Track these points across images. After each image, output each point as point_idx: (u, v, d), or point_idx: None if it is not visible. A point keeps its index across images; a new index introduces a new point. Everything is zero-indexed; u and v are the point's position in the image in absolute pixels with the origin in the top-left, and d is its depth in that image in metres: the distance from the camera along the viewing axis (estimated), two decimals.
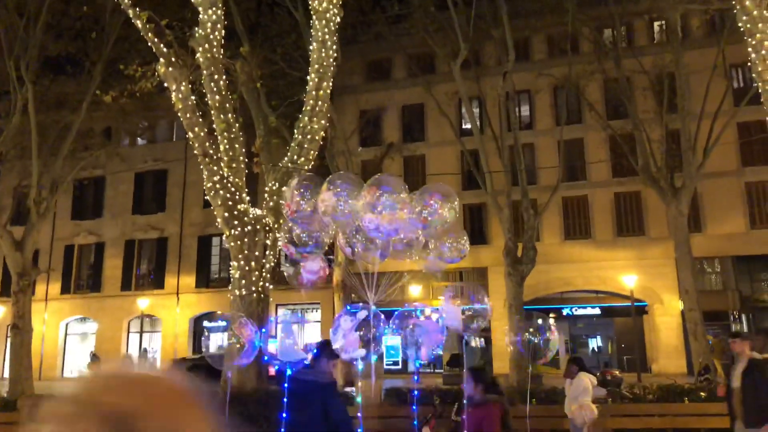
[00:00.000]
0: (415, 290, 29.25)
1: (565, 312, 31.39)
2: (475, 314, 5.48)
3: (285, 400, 4.96)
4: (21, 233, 21.85)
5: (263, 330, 5.41)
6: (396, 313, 5.23)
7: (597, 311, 30.95)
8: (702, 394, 9.56)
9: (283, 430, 4.95)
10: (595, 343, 33.51)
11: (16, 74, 20.98)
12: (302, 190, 5.63)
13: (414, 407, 5.36)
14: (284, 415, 4.86)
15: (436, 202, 5.37)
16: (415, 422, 5.34)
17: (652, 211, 29.22)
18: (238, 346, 4.81)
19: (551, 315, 31.64)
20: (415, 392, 5.62)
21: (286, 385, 4.88)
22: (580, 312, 31.25)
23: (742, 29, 10.19)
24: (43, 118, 22.43)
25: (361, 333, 4.73)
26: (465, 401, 5.33)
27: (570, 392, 8.31)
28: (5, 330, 26.25)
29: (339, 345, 4.71)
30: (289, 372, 4.87)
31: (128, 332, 35.40)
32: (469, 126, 28.10)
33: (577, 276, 30.29)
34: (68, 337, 36.89)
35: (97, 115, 26.83)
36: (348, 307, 5.05)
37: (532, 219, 21.13)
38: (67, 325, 36.84)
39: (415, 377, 5.25)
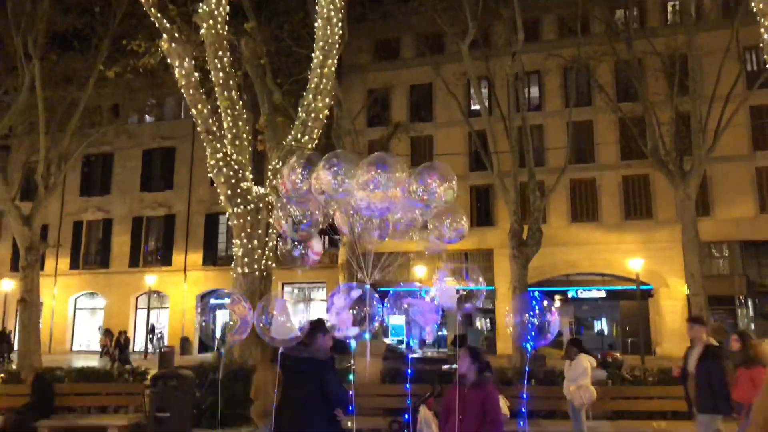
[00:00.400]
0: (420, 271, 29.31)
1: (570, 294, 31.38)
2: (470, 294, 5.46)
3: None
4: (30, 208, 22.02)
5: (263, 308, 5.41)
6: (391, 292, 5.23)
7: (602, 294, 30.92)
8: None
9: (274, 405, 4.99)
10: (599, 325, 33.53)
11: (24, 50, 20.97)
12: (299, 168, 5.61)
13: (407, 386, 5.37)
14: (275, 391, 4.93)
15: (434, 182, 5.33)
16: (409, 401, 5.36)
17: (660, 194, 29.02)
18: (232, 323, 4.84)
19: (557, 297, 31.75)
20: (409, 371, 5.62)
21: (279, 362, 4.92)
22: (586, 294, 31.23)
23: (755, 10, 10.00)
24: (51, 94, 22.45)
25: (355, 312, 4.74)
26: (457, 380, 5.33)
27: (569, 374, 8.31)
28: (16, 304, 26.52)
29: (332, 323, 4.74)
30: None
31: (136, 308, 35.73)
32: (477, 107, 27.88)
33: (583, 259, 30.22)
34: (77, 312, 37.29)
35: (105, 92, 26.86)
36: (343, 286, 5.05)
37: (539, 201, 21.02)
38: (76, 300, 37.22)
39: (408, 356, 5.25)
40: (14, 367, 19.78)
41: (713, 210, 28.94)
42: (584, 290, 31.05)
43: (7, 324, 32.58)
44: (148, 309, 33.32)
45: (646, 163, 24.26)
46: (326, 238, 6.47)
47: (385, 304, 5.07)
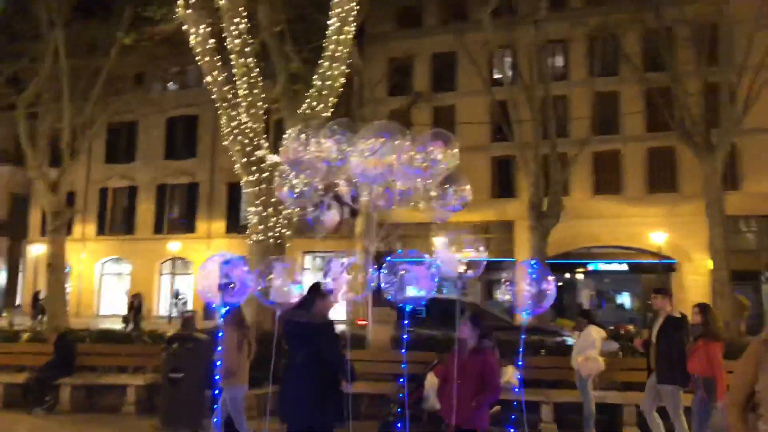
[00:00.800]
0: (440, 242, 29.28)
1: (591, 267, 31.16)
2: (472, 264, 5.47)
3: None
4: (56, 175, 22.49)
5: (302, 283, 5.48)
6: (387, 259, 5.26)
7: (624, 267, 30.64)
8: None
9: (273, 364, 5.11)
10: (620, 299, 33.33)
11: (48, 18, 21.14)
12: (303, 137, 5.63)
13: (404, 350, 5.45)
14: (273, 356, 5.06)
15: (436, 149, 5.31)
16: (404, 364, 5.44)
17: (686, 167, 28.45)
18: (231, 285, 4.93)
19: (578, 270, 31.58)
20: (405, 336, 5.69)
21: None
22: (607, 268, 30.98)
23: None
24: (74, 62, 22.64)
25: (351, 277, 4.80)
26: (456, 347, 5.38)
27: (577, 345, 8.32)
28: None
29: (329, 288, 4.80)
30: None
31: (161, 274, 36.42)
32: (500, 76, 27.47)
33: (605, 232, 29.91)
34: (104, 277, 38.17)
35: (128, 60, 26.93)
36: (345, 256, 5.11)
37: (559, 173, 20.79)
38: (103, 265, 38.07)
39: (406, 322, 5.31)
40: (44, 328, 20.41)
41: (742, 183, 28.33)
42: (605, 263, 30.79)
43: (39, 287, 33.51)
44: (173, 275, 33.96)
45: (672, 136, 23.72)
46: (347, 207, 6.47)
47: (382, 270, 5.11)
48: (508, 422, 8.60)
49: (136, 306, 26.61)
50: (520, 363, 5.71)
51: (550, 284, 5.07)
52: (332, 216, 6.05)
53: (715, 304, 19.66)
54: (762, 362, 2.88)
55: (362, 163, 4.95)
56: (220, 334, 5.43)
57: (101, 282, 37.99)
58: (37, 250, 33.52)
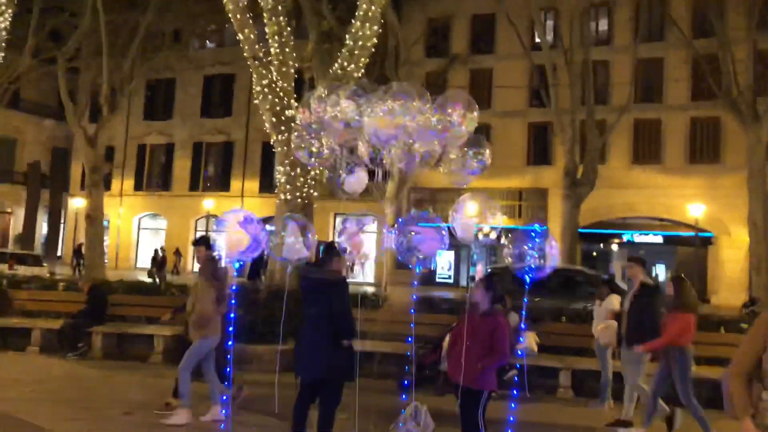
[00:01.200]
0: (472, 208, 29.12)
1: (625, 238, 30.67)
2: (489, 230, 5.44)
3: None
4: (95, 130, 22.98)
5: (315, 238, 5.55)
6: (399, 220, 5.27)
7: (659, 239, 30.07)
8: (743, 325, 9.30)
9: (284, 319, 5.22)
10: (654, 271, 32.80)
11: None
12: (322, 97, 5.61)
13: (412, 310, 5.48)
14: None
15: (455, 112, 5.23)
16: (412, 324, 5.48)
17: (730, 138, 27.54)
18: (245, 241, 5.02)
19: (612, 240, 31.09)
20: (414, 296, 5.72)
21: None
22: (642, 239, 30.45)
23: None
24: (113, 17, 22.84)
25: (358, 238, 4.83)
26: (469, 309, 5.39)
27: (598, 313, 8.26)
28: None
29: (347, 247, 4.84)
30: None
31: (195, 230, 37.15)
32: (540, 40, 26.78)
33: (642, 202, 29.32)
34: (141, 232, 39.16)
35: (166, 17, 27.09)
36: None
37: (596, 140, 20.36)
38: (140, 220, 39.02)
39: (414, 282, 5.33)
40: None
41: None
42: (640, 234, 30.25)
43: (80, 240, 34.59)
44: (207, 232, 34.60)
45: (717, 105, 22.95)
46: (380, 171, 6.45)
47: (392, 232, 5.12)
48: (523, 386, 8.66)
49: (160, 260, 27.41)
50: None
51: (554, 248, 5.02)
52: (357, 179, 6.04)
53: (751, 280, 19.27)
54: None
55: (374, 123, 4.92)
56: (235, 288, 5.55)
57: (138, 236, 38.99)
58: (77, 203, 34.51)
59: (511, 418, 5.28)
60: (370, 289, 12.42)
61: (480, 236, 5.36)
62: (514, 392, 5.29)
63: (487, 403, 5.29)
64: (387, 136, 4.97)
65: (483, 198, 5.56)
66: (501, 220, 5.47)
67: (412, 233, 4.92)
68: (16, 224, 37.27)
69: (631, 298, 7.07)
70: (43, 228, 37.04)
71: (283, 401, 5.50)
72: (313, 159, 5.77)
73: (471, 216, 5.48)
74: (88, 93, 27.55)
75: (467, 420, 5.25)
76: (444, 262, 32.94)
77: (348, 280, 5.31)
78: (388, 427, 5.62)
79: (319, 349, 5.11)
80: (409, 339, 5.79)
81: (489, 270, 6.09)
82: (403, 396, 5.42)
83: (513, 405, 5.41)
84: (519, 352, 8.87)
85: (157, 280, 23.94)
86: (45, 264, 24.70)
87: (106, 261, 26.40)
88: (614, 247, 32.19)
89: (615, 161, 29.82)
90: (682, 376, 6.59)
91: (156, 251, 28.82)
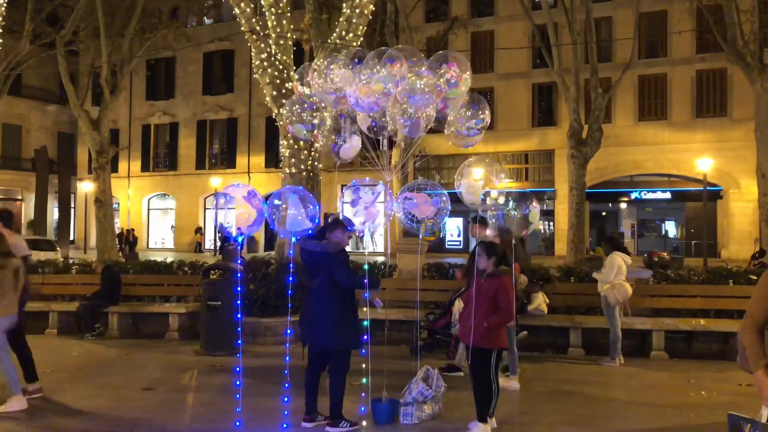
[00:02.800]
0: (477, 173, 29.07)
1: (633, 196, 30.61)
2: (495, 194, 5.46)
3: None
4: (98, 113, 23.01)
5: (315, 208, 5.59)
6: (403, 187, 5.30)
7: (668, 196, 29.96)
8: (752, 277, 9.33)
9: (289, 293, 5.32)
10: (664, 227, 32.76)
11: None
12: (315, 67, 5.60)
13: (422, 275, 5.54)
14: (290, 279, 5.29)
15: (448, 72, 5.20)
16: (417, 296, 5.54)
17: (736, 90, 27.19)
18: (247, 216, 5.07)
19: (620, 199, 31.01)
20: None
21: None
22: (650, 196, 30.36)
23: None
24: None
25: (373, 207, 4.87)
26: (476, 273, 5.45)
27: (603, 271, 8.29)
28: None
29: (361, 216, 4.89)
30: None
31: (204, 208, 37.35)
32: None
33: (649, 159, 29.14)
34: (151, 212, 39.40)
35: None
36: (354, 183, 5.16)
37: (600, 98, 20.13)
38: (149, 200, 39.22)
39: (419, 248, 5.38)
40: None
41: None
42: (649, 192, 30.15)
43: (91, 223, 34.89)
44: (216, 209, 34.76)
45: (723, 57, 22.59)
46: (384, 139, 6.43)
47: (393, 198, 5.17)
48: (533, 346, 8.77)
49: (132, 240, 28.11)
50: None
51: (536, 207, 5.05)
52: (351, 146, 6.04)
53: (761, 232, 19.17)
54: None
55: (355, 92, 4.91)
56: (240, 261, 5.62)
57: (148, 217, 39.26)
58: (86, 187, 34.70)
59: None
60: (380, 259, 12.52)
61: (488, 200, 5.39)
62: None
63: (498, 362, 5.39)
64: (369, 104, 4.97)
65: (487, 161, 5.56)
66: (507, 183, 5.49)
67: (405, 198, 4.96)
68: (27, 210, 37.58)
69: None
70: (54, 213, 37.34)
71: (294, 371, 5.61)
72: (307, 133, 5.77)
73: (476, 179, 5.50)
74: (89, 76, 27.47)
75: (478, 379, 5.36)
76: (453, 229, 33.02)
77: (357, 250, 5.39)
78: (400, 390, 5.73)
79: (324, 319, 5.21)
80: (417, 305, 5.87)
81: (480, 215, 6.03)
82: (415, 360, 5.51)
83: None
84: (528, 312, 8.99)
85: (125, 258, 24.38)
86: (58, 249, 24.96)
87: (117, 243, 26.74)
88: (623, 205, 32.11)
89: (621, 119, 29.57)
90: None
91: (122, 230, 29.50)
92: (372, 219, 5.38)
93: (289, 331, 5.28)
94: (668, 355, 8.68)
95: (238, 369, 5.32)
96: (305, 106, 5.70)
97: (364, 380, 5.33)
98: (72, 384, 7.13)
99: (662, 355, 8.66)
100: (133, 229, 31.75)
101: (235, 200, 5.21)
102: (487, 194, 5.81)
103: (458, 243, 32.42)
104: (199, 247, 34.31)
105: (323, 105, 5.69)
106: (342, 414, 5.39)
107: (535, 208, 5.22)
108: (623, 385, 7.28)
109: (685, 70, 28.80)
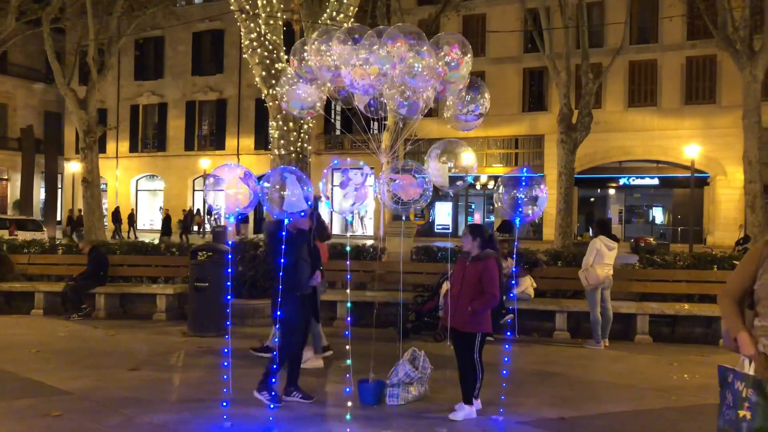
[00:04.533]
0: (468, 157, 29.07)
1: (622, 182, 30.79)
2: (459, 176, 5.44)
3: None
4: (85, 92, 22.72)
5: (309, 189, 5.57)
6: (384, 169, 5.29)
7: (656, 182, 30.18)
8: (736, 262, 9.42)
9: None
10: (651, 213, 32.99)
11: None
12: (311, 45, 5.53)
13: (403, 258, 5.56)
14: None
15: (448, 54, 5.14)
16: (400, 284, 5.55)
17: (726, 77, 27.29)
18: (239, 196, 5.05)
19: (609, 184, 31.17)
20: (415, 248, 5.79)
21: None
22: (638, 182, 30.55)
23: None
24: None
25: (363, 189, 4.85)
26: (462, 257, 5.48)
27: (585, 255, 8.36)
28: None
29: (351, 198, 4.86)
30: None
31: (193, 190, 37.16)
32: None
33: (637, 145, 29.27)
34: (139, 193, 39.14)
35: None
36: (335, 162, 5.13)
37: (591, 83, 20.13)
38: (137, 181, 38.95)
39: (402, 232, 5.39)
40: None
41: None
42: (637, 178, 30.34)
43: (77, 204, 34.64)
44: (208, 191, 34.56)
45: (712, 44, 22.62)
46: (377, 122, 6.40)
47: (378, 180, 5.16)
48: (515, 329, 8.84)
49: (76, 220, 28.28)
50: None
51: (543, 191, 5.04)
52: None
53: (746, 218, 19.35)
54: (763, 263, 2.95)
55: (350, 73, 4.87)
56: (230, 243, 5.62)
57: (137, 198, 39.00)
58: (74, 167, 34.38)
59: (506, 359, 5.41)
60: (369, 242, 12.54)
61: (458, 182, 5.37)
62: (508, 334, 5.41)
63: (483, 345, 5.43)
64: (364, 86, 4.93)
65: (454, 143, 5.51)
66: (475, 165, 5.48)
67: (390, 180, 4.95)
68: (13, 190, 37.24)
69: None
70: (40, 193, 37.01)
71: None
72: (301, 111, 5.73)
73: (443, 162, 5.46)
74: (76, 54, 27.10)
75: (463, 363, 5.41)
76: (443, 213, 33.09)
77: (349, 234, 5.41)
78: (387, 372, 5.77)
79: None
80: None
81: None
82: (401, 342, 5.54)
83: (507, 346, 5.55)
84: (514, 296, 9.04)
85: (75, 239, 24.41)
86: (45, 229, 24.79)
87: (105, 223, 26.64)
88: (611, 191, 32.29)
89: (611, 105, 29.63)
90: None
91: (71, 211, 29.52)
92: (361, 200, 5.36)
93: (279, 314, 5.24)
94: (652, 338, 8.80)
95: (225, 350, 5.34)
96: (300, 82, 5.64)
97: (348, 361, 5.36)
98: (58, 364, 7.12)
99: (646, 338, 8.77)
100: (80, 210, 31.80)
101: (228, 181, 5.17)
102: (459, 178, 5.74)
103: (447, 227, 32.49)
104: (200, 228, 33.97)
105: (319, 82, 5.63)
106: (295, 385, 5.66)
107: (542, 192, 5.17)
108: (607, 367, 7.37)
109: (675, 56, 28.86)
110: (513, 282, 8.21)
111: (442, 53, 5.25)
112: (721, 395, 2.93)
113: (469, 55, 5.38)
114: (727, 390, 2.88)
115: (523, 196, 4.90)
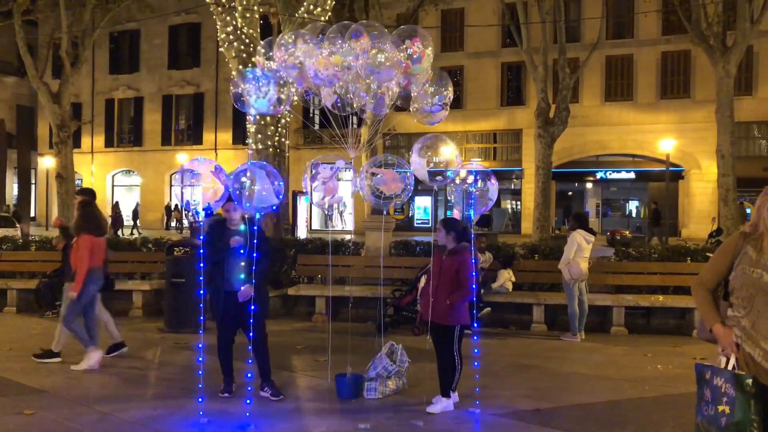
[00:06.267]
0: (447, 151, 29.12)
1: (599, 176, 31.12)
2: (440, 170, 5.45)
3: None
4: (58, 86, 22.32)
5: (279, 184, 5.51)
6: (366, 163, 5.29)
7: (632, 175, 30.55)
8: (708, 255, 9.58)
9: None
10: (628, 207, 33.39)
11: None
12: (277, 42, 5.51)
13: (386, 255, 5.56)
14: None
15: (411, 47, 5.15)
16: (381, 267, 5.56)
17: (700, 72, 27.68)
18: (211, 191, 5.02)
19: (586, 178, 31.47)
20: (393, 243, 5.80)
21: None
22: (615, 176, 30.91)
23: None
24: None
25: (331, 183, 4.84)
26: (436, 250, 5.50)
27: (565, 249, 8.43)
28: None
29: (319, 192, 4.85)
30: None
31: (171, 185, 36.76)
32: None
33: (614, 139, 29.60)
34: (115, 189, 38.63)
35: None
36: (315, 161, 5.12)
37: (568, 78, 20.29)
38: (113, 177, 38.43)
39: (386, 223, 5.39)
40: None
41: (757, 88, 27.62)
42: (613, 172, 30.69)
43: (53, 199, 34.09)
44: (182, 186, 34.20)
45: (687, 39, 22.93)
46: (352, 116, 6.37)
47: (358, 174, 5.16)
48: (492, 321, 8.90)
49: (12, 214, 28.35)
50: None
51: (493, 184, 5.09)
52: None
53: (719, 211, 19.69)
54: (739, 253, 2.99)
55: (313, 65, 4.86)
56: (201, 237, 5.58)
57: (113, 193, 38.47)
58: (47, 163, 33.79)
59: (476, 351, 5.46)
60: (348, 237, 12.52)
61: (438, 177, 5.39)
62: (475, 325, 5.42)
63: (461, 338, 5.46)
64: (327, 77, 4.92)
65: (436, 138, 5.52)
66: (459, 160, 5.49)
67: (373, 174, 4.94)
68: None
69: None
70: (13, 189, 36.35)
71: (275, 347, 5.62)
72: (270, 108, 5.69)
73: (425, 157, 5.46)
74: (49, 47, 26.59)
75: (442, 356, 5.44)
76: (422, 207, 33.15)
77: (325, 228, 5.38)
78: (364, 366, 5.77)
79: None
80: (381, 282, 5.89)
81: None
82: (379, 336, 5.54)
83: (475, 338, 5.59)
84: (493, 290, 9.10)
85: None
86: (18, 225, 24.36)
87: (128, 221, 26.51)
88: (588, 185, 32.61)
89: (587, 99, 29.89)
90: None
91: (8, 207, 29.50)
92: (331, 194, 5.35)
93: (252, 308, 5.21)
94: (628, 330, 8.91)
95: (200, 346, 5.30)
96: (269, 80, 5.61)
97: (327, 358, 5.35)
98: (30, 362, 7.01)
99: (622, 330, 8.89)
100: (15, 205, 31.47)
101: (203, 175, 5.13)
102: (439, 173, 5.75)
103: (426, 222, 32.57)
104: (179, 223, 33.65)
105: (288, 80, 5.61)
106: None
107: (493, 185, 5.22)
108: (583, 359, 7.45)
109: (650, 51, 29.19)
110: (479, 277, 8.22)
111: (404, 46, 5.27)
112: (699, 392, 2.96)
113: (430, 48, 5.41)
114: (705, 386, 2.92)
115: (474, 191, 4.94)
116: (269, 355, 5.69)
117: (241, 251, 5.34)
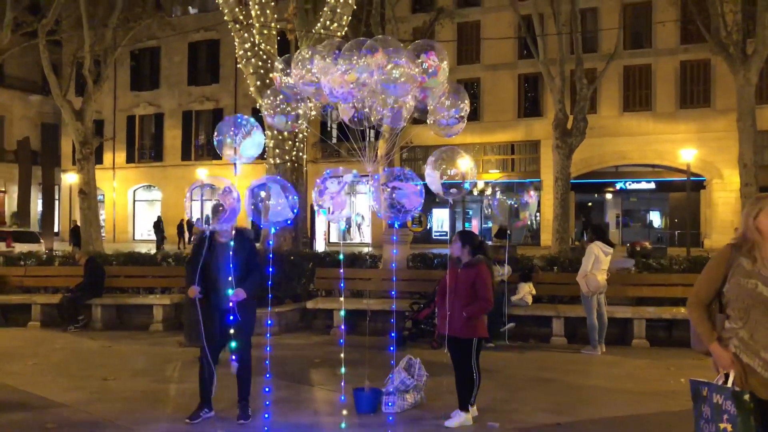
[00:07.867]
0: (464, 164, 29.10)
1: (618, 186, 30.85)
2: (456, 183, 5.45)
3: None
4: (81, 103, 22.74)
5: (294, 198, 5.55)
6: (375, 176, 5.31)
7: (652, 186, 30.24)
8: None
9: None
10: (648, 217, 33.05)
11: None
12: (294, 60, 5.57)
13: (393, 264, 5.57)
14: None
15: (426, 61, 5.18)
16: (393, 278, 5.56)
17: (720, 80, 27.42)
18: (221, 209, 5.09)
19: (605, 189, 31.23)
20: (395, 251, 5.80)
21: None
22: (635, 186, 30.63)
23: None
24: None
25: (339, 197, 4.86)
26: (452, 263, 5.49)
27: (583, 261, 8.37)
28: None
29: (327, 206, 4.88)
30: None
31: (191, 200, 37.08)
32: None
33: (633, 149, 29.36)
34: (136, 204, 39.13)
35: None
36: (328, 172, 5.15)
37: (585, 89, 20.20)
38: (134, 192, 38.94)
39: (394, 237, 5.40)
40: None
41: None
42: (633, 182, 30.42)
43: (75, 215, 34.60)
44: (202, 201, 34.56)
45: (706, 48, 22.75)
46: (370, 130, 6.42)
47: (372, 187, 5.18)
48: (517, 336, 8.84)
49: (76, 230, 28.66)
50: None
51: (532, 197, 5.08)
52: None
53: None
54: (731, 265, 2.96)
55: (329, 82, 4.90)
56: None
57: (134, 209, 38.98)
58: (71, 179, 34.36)
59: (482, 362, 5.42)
60: (366, 249, 12.55)
61: (452, 190, 5.39)
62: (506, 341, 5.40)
63: (479, 351, 5.44)
64: (343, 94, 4.96)
65: (452, 151, 5.53)
66: (474, 173, 5.49)
67: (393, 189, 4.96)
68: (10, 202, 37.19)
69: None
70: (38, 205, 36.99)
71: (276, 361, 5.63)
72: (287, 124, 5.75)
73: (440, 170, 5.47)
74: (72, 66, 27.11)
75: (460, 369, 5.42)
76: (440, 220, 33.13)
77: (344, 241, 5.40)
78: (382, 380, 5.77)
79: None
80: (392, 292, 5.89)
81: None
82: (393, 349, 5.53)
83: (493, 346, 5.55)
84: (512, 302, 9.05)
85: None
86: (42, 241, 24.75)
87: (103, 235, 26.56)
88: (608, 196, 32.35)
89: (605, 110, 29.73)
90: None
91: (75, 222, 29.91)
92: (339, 208, 5.37)
93: (269, 323, 5.24)
94: (649, 343, 8.79)
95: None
96: (286, 97, 5.68)
97: (343, 369, 5.36)
98: (54, 376, 7.11)
99: (643, 343, 8.77)
100: (75, 221, 31.62)
101: (215, 192, 5.21)
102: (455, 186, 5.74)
103: (444, 234, 32.50)
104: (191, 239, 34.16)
105: (305, 96, 5.67)
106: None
107: (531, 198, 5.21)
108: (603, 373, 7.37)
109: (669, 60, 28.99)
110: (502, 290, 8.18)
111: (420, 61, 5.30)
112: (696, 410, 2.95)
113: (445, 62, 5.43)
114: (703, 404, 2.90)
115: (513, 202, 4.93)
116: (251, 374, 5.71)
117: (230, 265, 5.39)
